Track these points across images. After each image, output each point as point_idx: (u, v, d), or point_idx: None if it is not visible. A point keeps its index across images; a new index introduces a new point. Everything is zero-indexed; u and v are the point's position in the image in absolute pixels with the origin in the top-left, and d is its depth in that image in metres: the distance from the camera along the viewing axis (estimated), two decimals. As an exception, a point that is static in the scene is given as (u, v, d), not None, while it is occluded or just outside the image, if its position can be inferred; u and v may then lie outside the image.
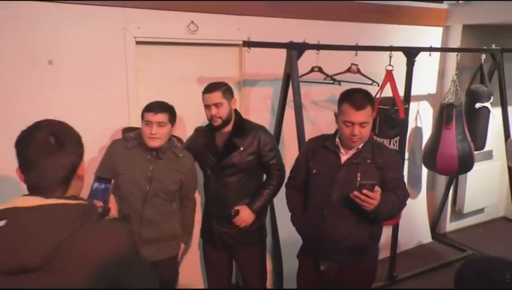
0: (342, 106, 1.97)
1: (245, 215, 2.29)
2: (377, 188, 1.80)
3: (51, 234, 1.00)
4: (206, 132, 2.39)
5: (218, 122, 2.25)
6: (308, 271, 2.20)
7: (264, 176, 2.45)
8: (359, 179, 1.92)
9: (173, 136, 2.30)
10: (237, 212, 2.28)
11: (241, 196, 2.32)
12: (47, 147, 1.07)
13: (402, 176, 2.10)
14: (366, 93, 1.99)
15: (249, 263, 2.48)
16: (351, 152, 2.02)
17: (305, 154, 2.19)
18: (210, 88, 2.25)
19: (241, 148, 2.27)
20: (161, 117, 2.13)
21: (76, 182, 1.15)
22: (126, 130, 2.30)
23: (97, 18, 2.44)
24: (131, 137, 2.24)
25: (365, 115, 1.92)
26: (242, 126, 2.34)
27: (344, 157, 2.02)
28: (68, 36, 2.39)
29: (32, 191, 1.09)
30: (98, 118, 2.51)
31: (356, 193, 1.80)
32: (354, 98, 1.94)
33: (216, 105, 2.22)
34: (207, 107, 2.26)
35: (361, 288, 2.15)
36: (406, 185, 4.11)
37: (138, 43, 2.58)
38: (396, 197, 1.94)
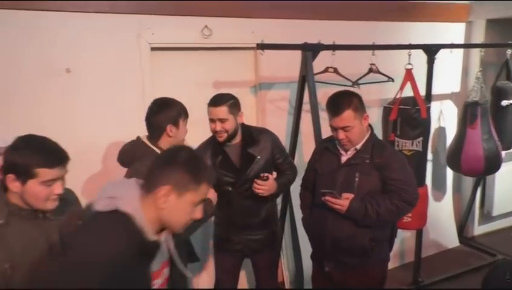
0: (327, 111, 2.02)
1: (270, 185, 2.21)
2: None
3: None
4: (215, 150, 2.24)
5: (223, 137, 2.18)
6: (316, 272, 2.22)
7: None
8: (357, 179, 1.95)
9: None
10: (267, 177, 2.20)
11: (265, 200, 2.27)
12: None
13: (408, 176, 2.02)
14: (345, 97, 1.98)
15: (265, 266, 2.48)
16: (351, 153, 2.03)
17: (313, 156, 2.24)
18: (216, 101, 2.16)
19: (258, 157, 2.23)
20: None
21: None
22: None
23: (112, 26, 2.48)
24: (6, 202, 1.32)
25: (344, 120, 1.93)
26: (250, 134, 2.28)
27: (344, 158, 2.05)
28: (85, 45, 2.43)
29: None
30: (115, 125, 2.52)
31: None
32: (332, 103, 1.99)
33: (222, 120, 2.15)
34: (212, 120, 2.18)
35: None
36: (431, 187, 3.98)
37: (153, 49, 2.60)
38: (390, 202, 1.93)
